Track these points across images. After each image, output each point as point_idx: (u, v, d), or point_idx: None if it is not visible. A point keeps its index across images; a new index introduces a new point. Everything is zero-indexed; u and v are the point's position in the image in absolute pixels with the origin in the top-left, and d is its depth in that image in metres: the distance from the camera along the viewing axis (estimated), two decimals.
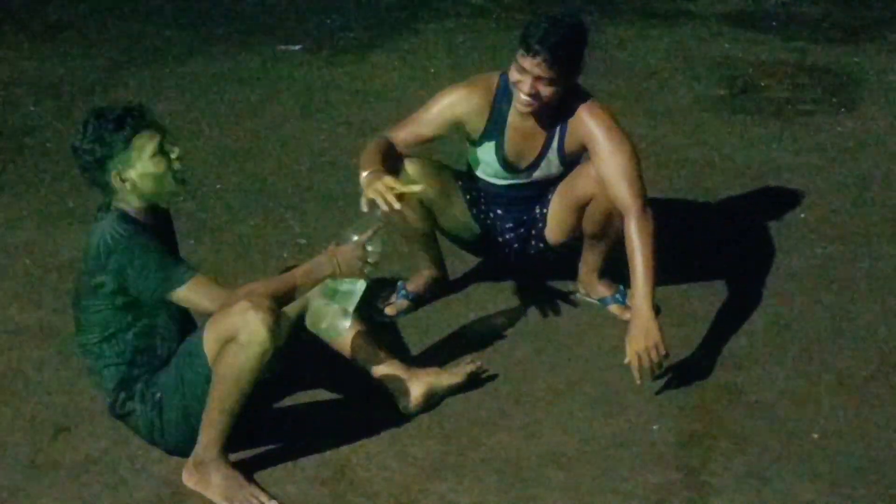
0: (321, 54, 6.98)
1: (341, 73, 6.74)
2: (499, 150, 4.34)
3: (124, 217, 3.66)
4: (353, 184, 5.32)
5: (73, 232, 5.09)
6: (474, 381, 4.15)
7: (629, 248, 4.11)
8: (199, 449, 3.69)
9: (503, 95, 4.28)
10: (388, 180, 3.88)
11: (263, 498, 3.67)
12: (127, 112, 3.64)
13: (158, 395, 3.74)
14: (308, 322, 3.96)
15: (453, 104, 4.29)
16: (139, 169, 3.63)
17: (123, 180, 3.63)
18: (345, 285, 3.80)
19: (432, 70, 6.67)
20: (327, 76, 6.71)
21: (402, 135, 4.28)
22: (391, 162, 4.15)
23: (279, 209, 5.33)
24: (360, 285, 3.82)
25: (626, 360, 4.02)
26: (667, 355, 4.03)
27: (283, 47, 7.08)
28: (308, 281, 3.70)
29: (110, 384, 3.79)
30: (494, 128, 4.31)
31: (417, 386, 4.02)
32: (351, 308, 3.86)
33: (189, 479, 3.72)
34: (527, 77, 4.11)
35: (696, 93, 6.42)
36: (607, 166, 4.20)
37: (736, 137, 5.93)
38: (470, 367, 4.15)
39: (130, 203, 3.68)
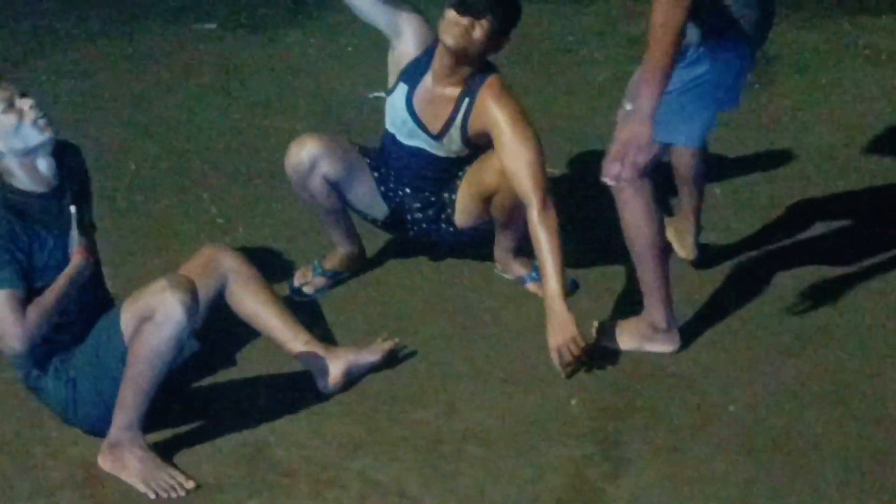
0: (237, 32, 6.92)
1: (257, 50, 6.69)
2: (409, 98, 4.35)
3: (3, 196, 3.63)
4: (269, 162, 5.36)
5: None
6: (393, 359, 4.15)
7: (534, 242, 4.14)
8: (113, 430, 3.65)
9: (428, 57, 4.31)
10: None
11: (181, 478, 3.64)
12: None
13: (73, 373, 3.70)
14: None
15: (408, 15, 4.35)
16: None
17: None
18: None
19: (349, 48, 6.63)
20: (243, 54, 6.65)
21: None
22: None
23: (195, 189, 5.28)
24: None
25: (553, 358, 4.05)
26: (586, 348, 4.05)
27: (197, 25, 7.00)
28: (72, 284, 3.65)
29: (20, 359, 3.74)
30: (412, 74, 4.33)
31: (336, 364, 4.01)
32: None
33: (105, 462, 3.68)
34: (458, 28, 4.17)
35: (612, 70, 6.44)
36: (510, 158, 4.22)
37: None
38: (388, 345, 4.14)
39: (13, 175, 3.65)
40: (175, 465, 3.69)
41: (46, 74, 6.37)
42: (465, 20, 4.16)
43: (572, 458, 3.76)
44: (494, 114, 4.25)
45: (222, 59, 6.59)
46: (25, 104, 3.63)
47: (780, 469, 3.71)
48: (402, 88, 4.37)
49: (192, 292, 3.59)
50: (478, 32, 4.19)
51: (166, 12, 7.20)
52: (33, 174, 3.66)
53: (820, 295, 4.47)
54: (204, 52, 6.67)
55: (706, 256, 4.67)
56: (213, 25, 7.00)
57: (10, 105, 3.62)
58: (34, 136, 3.63)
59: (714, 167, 5.39)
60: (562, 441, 3.83)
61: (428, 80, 4.32)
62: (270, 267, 4.61)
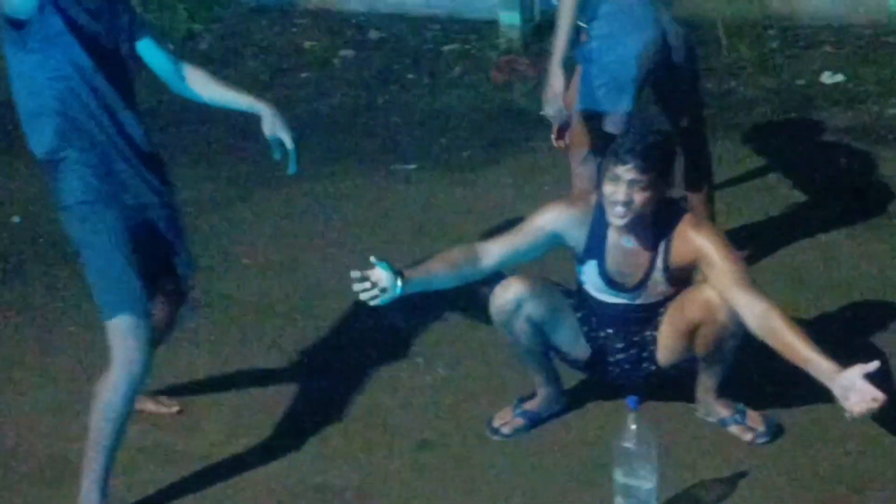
0: (435, 173, 7.02)
1: (454, 191, 6.76)
2: (602, 269, 4.32)
3: None
4: (466, 300, 5.38)
5: None
6: None
7: (775, 336, 3.96)
8: (80, 498, 3.86)
9: (602, 213, 4.26)
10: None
11: None
12: None
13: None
14: None
15: (551, 218, 4.32)
16: None
17: None
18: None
19: (546, 188, 6.65)
20: (440, 194, 6.73)
21: (496, 245, 4.31)
22: (453, 264, 4.28)
23: (395, 320, 5.31)
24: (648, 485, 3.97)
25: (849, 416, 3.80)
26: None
27: (397, 166, 7.13)
28: None
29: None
30: (595, 246, 4.29)
31: None
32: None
33: None
34: (620, 185, 4.10)
35: (817, 206, 6.32)
36: (723, 278, 4.13)
37: (856, 253, 5.80)
38: None
39: None
40: None
41: (252, 215, 6.54)
42: (626, 171, 4.10)
43: None
44: (699, 242, 4.19)
45: (420, 200, 6.68)
46: None
47: None
48: (592, 264, 4.34)
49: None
50: (639, 195, 4.12)
51: (365, 154, 7.34)
52: None
53: None
54: (403, 193, 6.77)
55: None
56: (412, 167, 7.11)
57: None
58: None
59: None
60: None
61: (612, 235, 4.27)
62: (475, 398, 4.65)
